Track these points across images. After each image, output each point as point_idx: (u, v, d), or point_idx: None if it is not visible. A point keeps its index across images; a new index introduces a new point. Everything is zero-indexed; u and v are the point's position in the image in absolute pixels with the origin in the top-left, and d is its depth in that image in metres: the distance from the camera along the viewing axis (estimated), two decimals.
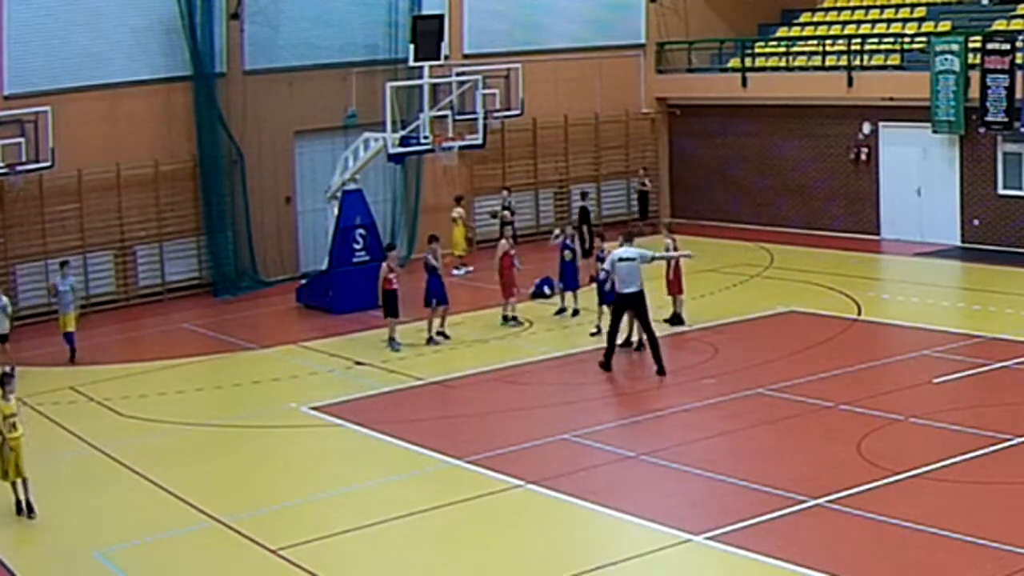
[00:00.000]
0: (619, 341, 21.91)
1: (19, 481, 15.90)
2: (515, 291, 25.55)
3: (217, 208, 30.22)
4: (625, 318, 21.87)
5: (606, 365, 21.47)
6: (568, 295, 25.65)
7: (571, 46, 35.71)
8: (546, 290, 27.36)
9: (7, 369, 17.27)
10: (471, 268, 31.01)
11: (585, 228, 30.02)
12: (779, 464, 16.53)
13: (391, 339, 23.81)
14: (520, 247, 31.31)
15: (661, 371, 20.96)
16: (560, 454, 17.42)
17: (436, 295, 24.17)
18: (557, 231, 26.94)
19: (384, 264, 23.91)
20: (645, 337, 21.51)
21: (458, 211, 31.92)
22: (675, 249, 23.78)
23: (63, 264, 25.34)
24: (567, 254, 25.42)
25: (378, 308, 24.18)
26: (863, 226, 32.66)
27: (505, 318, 25.26)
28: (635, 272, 21.10)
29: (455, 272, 30.06)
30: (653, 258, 21.78)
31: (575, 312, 25.40)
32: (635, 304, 21.27)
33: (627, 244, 21.54)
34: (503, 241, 26.25)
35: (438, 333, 24.10)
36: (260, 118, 30.83)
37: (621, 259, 21.22)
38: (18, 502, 15.96)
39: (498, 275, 25.44)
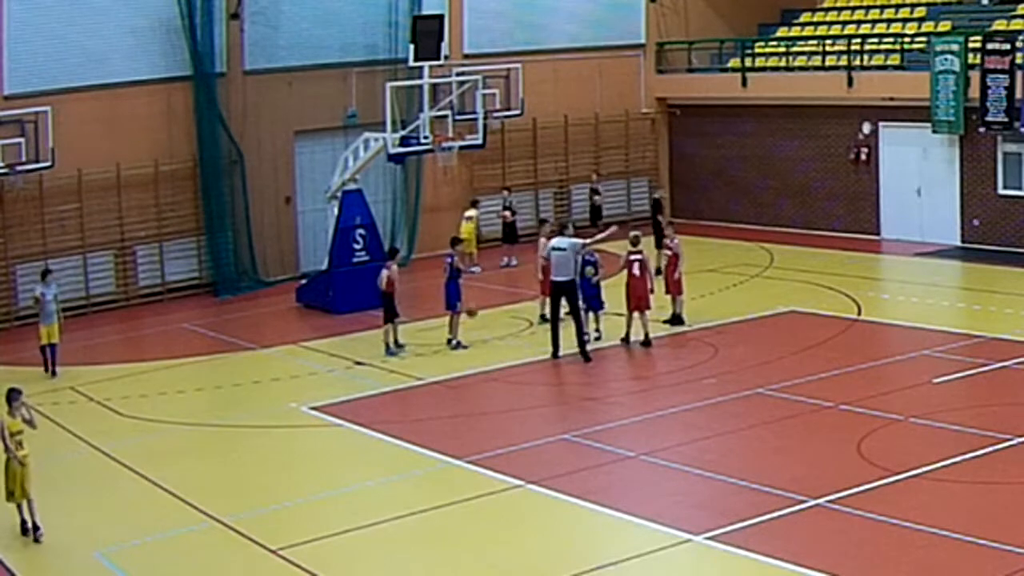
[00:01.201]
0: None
1: (24, 502, 15.51)
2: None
3: (217, 208, 30.21)
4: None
5: (554, 354, 22.27)
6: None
7: (571, 46, 35.70)
8: None
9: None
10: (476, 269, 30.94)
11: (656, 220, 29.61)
12: (779, 464, 16.54)
13: (387, 344, 23.47)
14: (521, 247, 31.45)
15: (586, 358, 22.10)
16: (560, 454, 17.42)
17: (453, 297, 24.02)
18: None
19: (387, 268, 23.72)
20: (572, 324, 22.33)
21: (473, 211, 31.83)
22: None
23: (45, 273, 24.15)
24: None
25: (379, 308, 24.08)
26: (863, 226, 32.64)
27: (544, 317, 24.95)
28: (567, 261, 22.21)
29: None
30: (584, 246, 22.73)
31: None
32: (566, 291, 22.25)
33: (561, 235, 23.05)
34: (543, 240, 25.54)
35: (457, 343, 23.64)
36: (260, 118, 30.84)
37: (555, 248, 22.50)
38: (23, 522, 15.57)
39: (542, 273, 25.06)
